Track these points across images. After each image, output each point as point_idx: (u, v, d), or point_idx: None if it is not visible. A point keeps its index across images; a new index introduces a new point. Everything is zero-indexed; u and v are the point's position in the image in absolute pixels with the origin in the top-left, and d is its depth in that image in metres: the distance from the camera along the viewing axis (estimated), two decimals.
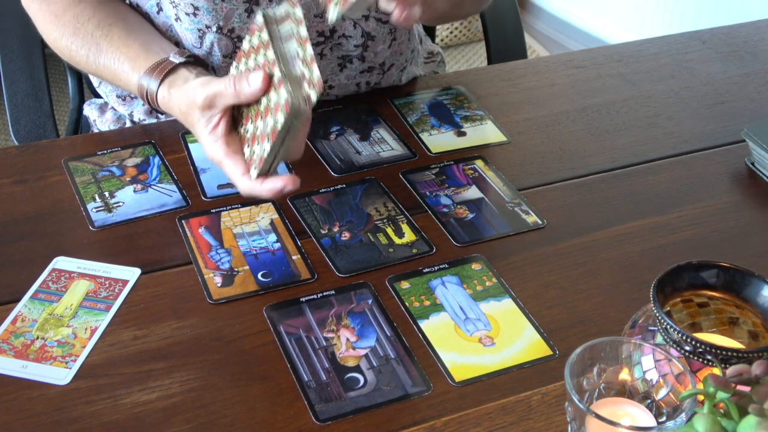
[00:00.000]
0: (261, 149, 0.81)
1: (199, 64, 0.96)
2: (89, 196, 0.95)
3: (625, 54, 1.26)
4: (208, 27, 1.01)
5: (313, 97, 0.77)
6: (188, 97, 0.87)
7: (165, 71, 0.93)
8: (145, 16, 1.05)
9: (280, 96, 0.78)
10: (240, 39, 1.02)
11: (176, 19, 1.02)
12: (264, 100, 0.81)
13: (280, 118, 0.77)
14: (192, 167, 1.00)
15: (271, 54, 0.79)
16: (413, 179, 0.99)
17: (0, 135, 2.51)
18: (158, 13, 1.04)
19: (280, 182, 0.82)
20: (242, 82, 0.81)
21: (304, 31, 0.80)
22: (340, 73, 1.10)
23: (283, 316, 0.81)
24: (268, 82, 0.80)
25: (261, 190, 0.83)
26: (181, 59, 0.94)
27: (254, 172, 0.82)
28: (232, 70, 0.86)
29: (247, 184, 0.83)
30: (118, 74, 0.98)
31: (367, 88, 1.14)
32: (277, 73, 0.78)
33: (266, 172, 0.82)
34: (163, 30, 1.05)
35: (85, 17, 1.00)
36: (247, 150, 0.84)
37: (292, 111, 0.77)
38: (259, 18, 0.81)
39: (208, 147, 0.86)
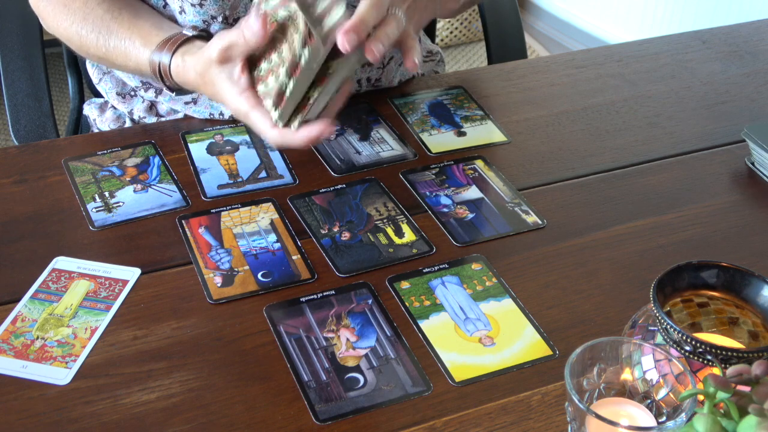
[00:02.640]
0: (276, 81, 0.80)
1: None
2: (89, 196, 0.95)
3: (625, 54, 1.26)
4: (213, 18, 1.01)
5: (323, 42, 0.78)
6: (203, 56, 0.87)
7: (178, 42, 0.93)
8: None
9: (299, 29, 0.77)
10: None
11: (180, 12, 1.02)
12: (282, 52, 0.81)
13: (302, 52, 0.77)
14: (192, 167, 1.00)
15: None
16: (413, 179, 0.99)
17: (0, 135, 2.51)
18: (164, 7, 1.04)
19: (316, 129, 0.81)
20: (247, 25, 0.81)
21: None
22: None
23: (283, 316, 0.81)
24: (265, 22, 0.79)
25: (294, 139, 0.82)
26: (195, 33, 0.95)
27: (275, 114, 0.81)
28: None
29: (277, 133, 0.82)
30: (129, 53, 0.98)
31: (367, 86, 1.14)
32: (293, 6, 0.78)
33: (287, 118, 0.81)
34: None
35: (95, 2, 1.00)
36: (261, 87, 0.83)
37: (313, 44, 0.76)
38: None
39: (233, 100, 0.85)
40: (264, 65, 0.83)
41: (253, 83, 0.84)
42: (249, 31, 0.81)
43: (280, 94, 0.81)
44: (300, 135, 0.82)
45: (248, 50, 0.83)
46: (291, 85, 0.80)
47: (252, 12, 0.82)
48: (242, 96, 0.84)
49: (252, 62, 0.85)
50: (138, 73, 1.05)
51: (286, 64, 0.79)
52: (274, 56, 0.81)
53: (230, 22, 1.01)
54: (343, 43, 0.78)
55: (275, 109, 0.81)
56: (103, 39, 1.00)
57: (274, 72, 0.81)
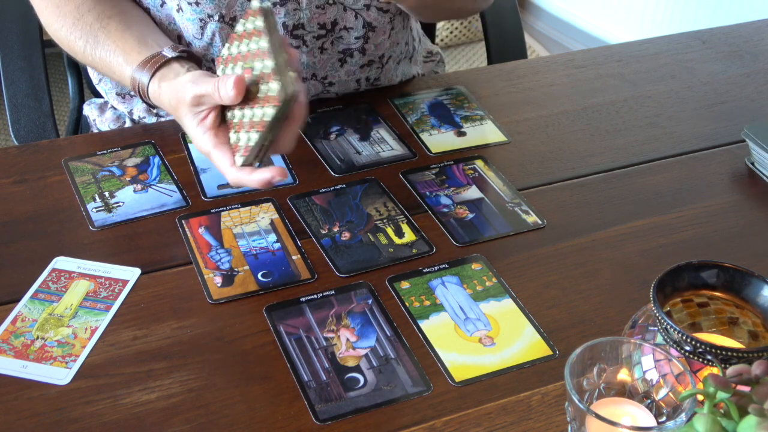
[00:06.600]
0: (247, 138, 0.81)
1: (192, 59, 0.96)
2: (89, 196, 0.95)
3: (625, 54, 1.26)
4: (210, 16, 1.01)
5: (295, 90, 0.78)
6: (177, 93, 0.88)
7: (157, 65, 0.93)
8: (147, 11, 1.05)
9: (271, 88, 0.78)
10: None
11: (178, 10, 1.02)
12: (253, 107, 0.81)
13: (269, 111, 0.78)
14: (192, 167, 1.00)
15: (264, 43, 0.79)
16: (413, 179, 0.99)
17: (0, 135, 2.51)
18: (161, 6, 1.04)
19: (269, 173, 0.82)
20: (224, 86, 0.82)
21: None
22: (340, 68, 1.10)
23: (283, 316, 0.81)
24: (242, 87, 0.81)
25: (249, 180, 0.83)
26: (174, 53, 0.94)
27: (239, 160, 0.82)
28: (224, 51, 0.86)
29: (235, 174, 0.83)
30: (112, 67, 0.98)
31: (366, 85, 1.14)
32: (269, 64, 0.78)
33: (251, 161, 0.82)
34: (165, 23, 1.05)
35: (86, 8, 1.00)
36: (233, 135, 0.84)
37: (282, 103, 0.77)
38: (255, 2, 0.81)
39: (197, 138, 0.87)
40: (237, 113, 0.84)
41: (217, 123, 0.86)
42: (224, 92, 0.82)
43: (246, 146, 0.82)
44: (254, 177, 0.83)
45: (219, 105, 0.84)
46: (256, 137, 0.81)
47: (219, 68, 0.85)
48: (206, 135, 0.86)
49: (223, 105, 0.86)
50: (121, 84, 1.05)
51: (253, 118, 0.81)
52: (246, 109, 0.82)
53: (227, 20, 1.01)
54: None
55: (241, 156, 0.83)
56: (90, 48, 1.00)
57: (244, 124, 0.82)
